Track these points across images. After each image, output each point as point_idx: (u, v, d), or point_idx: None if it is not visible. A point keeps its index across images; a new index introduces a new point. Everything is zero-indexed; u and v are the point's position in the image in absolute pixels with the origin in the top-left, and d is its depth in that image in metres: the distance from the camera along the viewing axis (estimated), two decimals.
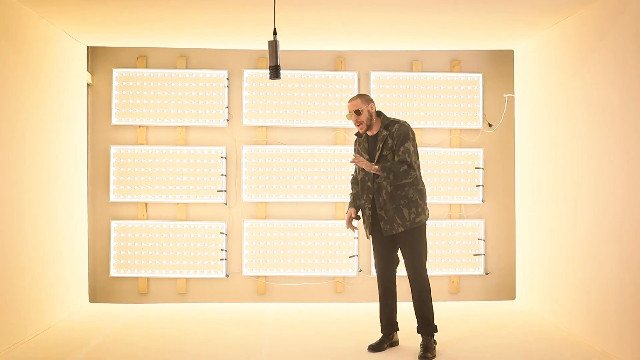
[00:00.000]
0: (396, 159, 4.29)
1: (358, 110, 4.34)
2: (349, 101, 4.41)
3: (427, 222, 4.44)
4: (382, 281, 4.52)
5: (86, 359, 4.31)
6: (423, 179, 4.68)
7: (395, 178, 4.24)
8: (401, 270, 4.52)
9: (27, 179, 4.81)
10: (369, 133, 4.44)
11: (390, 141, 4.32)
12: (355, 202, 4.57)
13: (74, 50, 5.73)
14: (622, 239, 4.26)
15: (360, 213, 4.56)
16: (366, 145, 4.46)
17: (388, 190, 4.31)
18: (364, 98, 4.39)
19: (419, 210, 4.34)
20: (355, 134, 4.55)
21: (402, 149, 4.27)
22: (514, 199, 6.25)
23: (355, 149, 4.58)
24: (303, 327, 5.22)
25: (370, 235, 4.53)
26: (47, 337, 4.83)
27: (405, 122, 4.40)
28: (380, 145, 4.33)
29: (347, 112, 4.41)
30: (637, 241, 4.08)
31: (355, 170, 4.59)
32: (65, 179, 5.51)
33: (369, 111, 4.36)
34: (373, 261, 6.04)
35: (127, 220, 6.15)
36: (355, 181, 4.61)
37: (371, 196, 4.38)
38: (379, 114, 4.44)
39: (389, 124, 4.38)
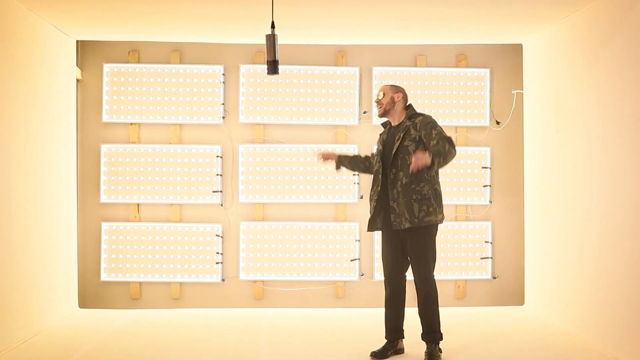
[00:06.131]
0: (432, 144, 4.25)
1: (383, 93, 4.52)
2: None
3: (439, 225, 4.40)
4: (390, 284, 4.47)
5: None
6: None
7: (445, 159, 4.16)
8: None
9: (14, 179, 4.77)
10: (392, 123, 4.54)
11: (413, 132, 4.36)
12: (347, 158, 4.73)
13: (63, 45, 5.71)
14: (635, 242, 4.25)
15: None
16: (385, 136, 4.56)
17: (403, 182, 4.30)
18: (394, 87, 4.55)
19: (430, 209, 4.27)
20: (382, 124, 4.68)
21: (434, 133, 4.26)
22: (522, 200, 6.21)
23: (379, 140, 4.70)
24: (302, 333, 5.19)
25: (381, 233, 4.54)
26: (35, 344, 4.80)
27: (429, 115, 4.52)
28: (402, 135, 4.37)
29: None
30: None
31: (375, 156, 4.62)
32: (53, 179, 5.47)
33: (392, 97, 4.48)
34: (376, 264, 6.03)
35: (119, 222, 6.09)
36: (368, 158, 4.73)
37: (379, 188, 4.40)
38: (409, 107, 4.53)
39: (412, 115, 4.47)
